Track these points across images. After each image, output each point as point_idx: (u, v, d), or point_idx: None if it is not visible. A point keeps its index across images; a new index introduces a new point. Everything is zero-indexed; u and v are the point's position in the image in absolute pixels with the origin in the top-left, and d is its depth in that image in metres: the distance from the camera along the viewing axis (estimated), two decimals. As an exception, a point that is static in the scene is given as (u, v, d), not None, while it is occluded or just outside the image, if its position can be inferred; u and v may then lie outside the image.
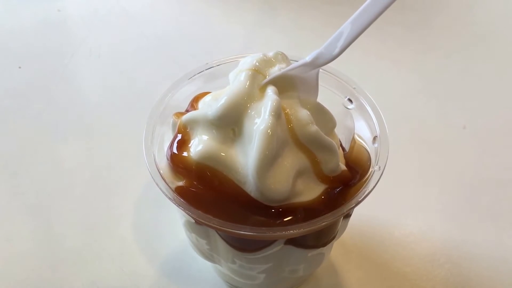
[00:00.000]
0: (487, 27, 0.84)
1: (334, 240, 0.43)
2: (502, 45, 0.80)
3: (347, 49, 0.35)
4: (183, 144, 0.39)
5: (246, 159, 0.36)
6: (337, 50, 0.35)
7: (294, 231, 0.35)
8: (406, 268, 0.50)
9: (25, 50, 0.77)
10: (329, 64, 0.37)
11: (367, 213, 0.53)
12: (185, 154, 0.38)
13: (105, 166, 0.60)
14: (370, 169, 0.40)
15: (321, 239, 0.41)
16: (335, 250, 0.51)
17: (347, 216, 0.43)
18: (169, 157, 0.39)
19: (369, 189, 0.37)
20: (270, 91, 0.37)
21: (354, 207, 0.37)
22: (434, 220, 0.55)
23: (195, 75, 0.45)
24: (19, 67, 0.73)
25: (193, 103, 0.42)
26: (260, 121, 0.35)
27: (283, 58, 0.40)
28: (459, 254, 0.52)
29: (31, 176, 0.59)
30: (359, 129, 0.43)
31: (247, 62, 0.39)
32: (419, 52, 0.77)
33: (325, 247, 0.42)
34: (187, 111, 0.42)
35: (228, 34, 0.80)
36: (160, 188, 0.37)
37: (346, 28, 0.34)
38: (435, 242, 0.53)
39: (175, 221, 0.52)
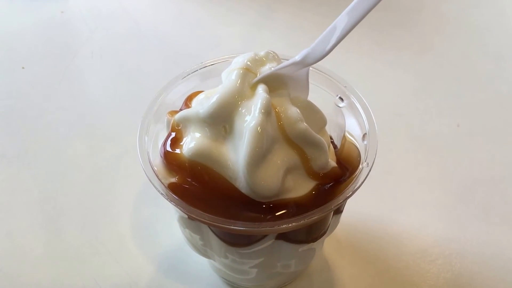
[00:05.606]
0: (481, 27, 0.84)
1: (325, 235, 0.43)
2: (495, 44, 0.81)
3: (339, 44, 0.35)
4: (176, 141, 0.40)
5: (237, 156, 0.37)
6: (329, 46, 0.35)
7: (284, 226, 0.36)
8: (398, 264, 0.51)
9: (29, 51, 0.78)
10: (320, 64, 0.38)
11: (361, 210, 0.54)
12: (178, 151, 0.39)
13: (106, 164, 0.61)
14: (360, 166, 0.40)
15: (312, 234, 0.41)
16: (329, 246, 0.52)
17: (338, 212, 0.44)
18: (162, 155, 0.40)
19: (357, 185, 0.38)
20: (261, 89, 0.37)
21: (341, 202, 0.37)
22: (427, 217, 0.55)
23: (189, 74, 0.46)
24: (23, 68, 0.75)
25: (187, 102, 0.43)
26: (250, 118, 0.36)
27: (274, 57, 0.41)
28: (451, 250, 0.52)
29: (33, 174, 0.60)
30: (349, 126, 0.44)
31: (239, 61, 0.40)
32: (414, 52, 0.78)
33: (315, 242, 0.42)
34: (181, 109, 0.43)
35: (227, 35, 0.81)
36: (153, 184, 0.38)
37: (341, 20, 0.34)
38: (427, 238, 0.53)
39: (172, 218, 0.53)
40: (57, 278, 0.51)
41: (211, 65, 0.47)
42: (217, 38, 0.80)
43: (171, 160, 0.40)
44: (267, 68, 0.39)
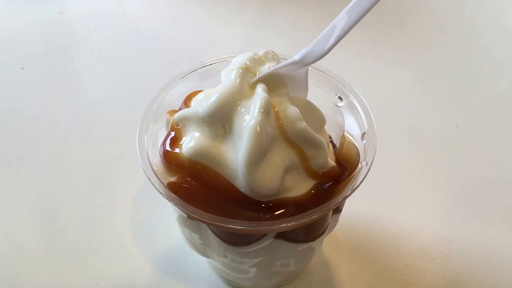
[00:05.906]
0: (479, 26, 0.85)
1: (324, 234, 0.43)
2: (494, 43, 0.81)
3: (338, 44, 0.35)
4: (175, 141, 0.40)
5: (236, 155, 0.37)
6: (328, 45, 0.35)
7: (283, 225, 0.36)
8: (397, 263, 0.51)
9: (28, 52, 0.78)
10: (319, 63, 0.38)
11: (360, 209, 0.54)
12: (177, 150, 0.39)
13: (105, 164, 0.61)
14: (359, 165, 0.40)
15: (311, 233, 0.42)
16: (328, 246, 0.52)
17: (337, 211, 0.44)
18: (162, 154, 0.40)
19: (356, 184, 0.38)
20: (260, 89, 0.38)
21: (340, 202, 0.38)
22: (426, 216, 0.56)
23: (188, 73, 0.46)
24: (22, 68, 0.75)
25: (186, 101, 0.43)
26: (249, 118, 0.36)
27: (273, 56, 0.41)
28: (450, 249, 0.52)
29: (32, 174, 0.60)
30: (349, 126, 0.44)
31: (238, 61, 0.40)
32: (413, 51, 0.78)
33: (315, 242, 0.42)
34: (180, 109, 0.43)
35: (227, 35, 0.81)
36: (152, 183, 0.38)
37: (340, 20, 0.35)
38: (426, 237, 0.53)
39: (171, 218, 0.53)
40: (56, 278, 0.51)
41: (210, 64, 0.47)
42: (216, 38, 0.80)
43: (170, 160, 0.40)
44: (266, 68, 0.39)
